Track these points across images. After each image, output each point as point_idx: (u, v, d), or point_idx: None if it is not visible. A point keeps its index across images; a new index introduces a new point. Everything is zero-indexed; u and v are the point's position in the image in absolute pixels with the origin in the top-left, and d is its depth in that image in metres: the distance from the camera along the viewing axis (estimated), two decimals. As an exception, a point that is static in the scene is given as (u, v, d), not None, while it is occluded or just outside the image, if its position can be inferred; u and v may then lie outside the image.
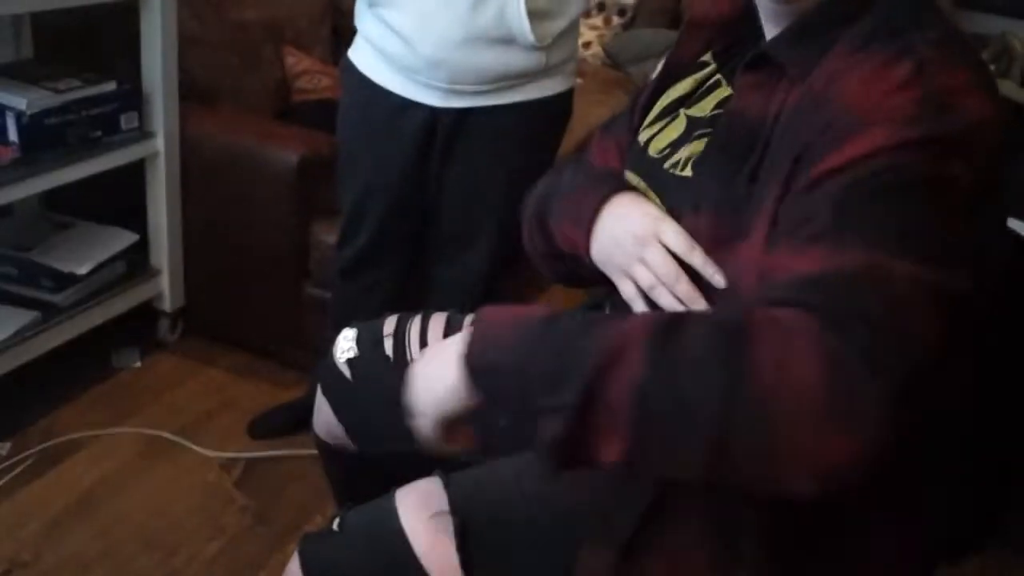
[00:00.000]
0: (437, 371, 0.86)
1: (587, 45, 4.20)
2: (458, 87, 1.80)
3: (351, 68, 1.93)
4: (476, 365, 0.80)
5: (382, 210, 1.97)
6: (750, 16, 1.02)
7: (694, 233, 0.92)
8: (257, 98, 2.76)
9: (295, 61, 2.91)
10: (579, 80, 1.98)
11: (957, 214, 0.77)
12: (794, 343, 0.68)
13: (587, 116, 3.22)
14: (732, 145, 0.93)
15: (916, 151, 0.76)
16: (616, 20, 4.34)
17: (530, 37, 1.75)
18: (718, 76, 1.06)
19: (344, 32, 3.19)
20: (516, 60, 1.79)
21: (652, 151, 1.06)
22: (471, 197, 1.94)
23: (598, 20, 4.32)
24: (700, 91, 1.07)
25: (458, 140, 1.87)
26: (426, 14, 1.74)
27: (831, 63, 0.85)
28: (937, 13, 0.89)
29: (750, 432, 0.67)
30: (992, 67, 3.45)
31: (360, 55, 1.92)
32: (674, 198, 1.00)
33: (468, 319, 0.83)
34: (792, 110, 0.86)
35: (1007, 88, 3.22)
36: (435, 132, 1.87)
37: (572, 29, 1.88)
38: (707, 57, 1.10)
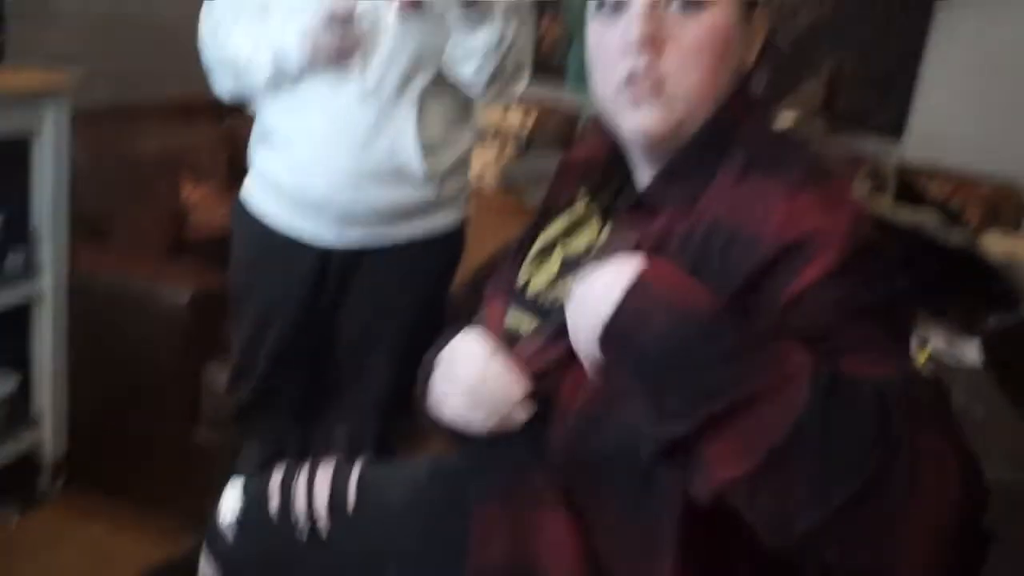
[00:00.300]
0: (582, 324, 0.85)
1: (482, 172, 4.27)
2: (350, 222, 1.81)
3: (244, 205, 1.93)
4: (618, 342, 0.79)
5: (274, 349, 1.94)
6: (620, 155, 1.06)
7: (572, 360, 0.93)
8: (151, 232, 2.73)
9: (191, 193, 2.90)
10: (474, 207, 2.01)
11: None
12: (942, 447, 0.69)
13: (483, 242, 3.25)
14: None
15: (868, 258, 0.82)
16: (511, 147, 4.44)
17: (422, 170, 1.78)
18: (589, 212, 1.10)
19: (241, 164, 3.19)
20: (408, 194, 1.81)
21: (531, 290, 1.09)
22: (366, 333, 1.93)
23: (493, 147, 4.41)
24: (573, 227, 1.11)
25: (351, 276, 1.87)
26: (318, 151, 1.76)
27: (716, 198, 0.89)
28: (792, 137, 0.95)
29: (883, 511, 0.67)
30: (867, 185, 3.62)
31: (253, 192, 1.92)
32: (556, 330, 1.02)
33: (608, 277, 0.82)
34: (683, 243, 0.90)
35: (882, 206, 3.38)
36: (328, 268, 1.87)
37: (464, 161, 1.91)
38: (580, 195, 1.13)
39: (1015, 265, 3.25)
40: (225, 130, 3.29)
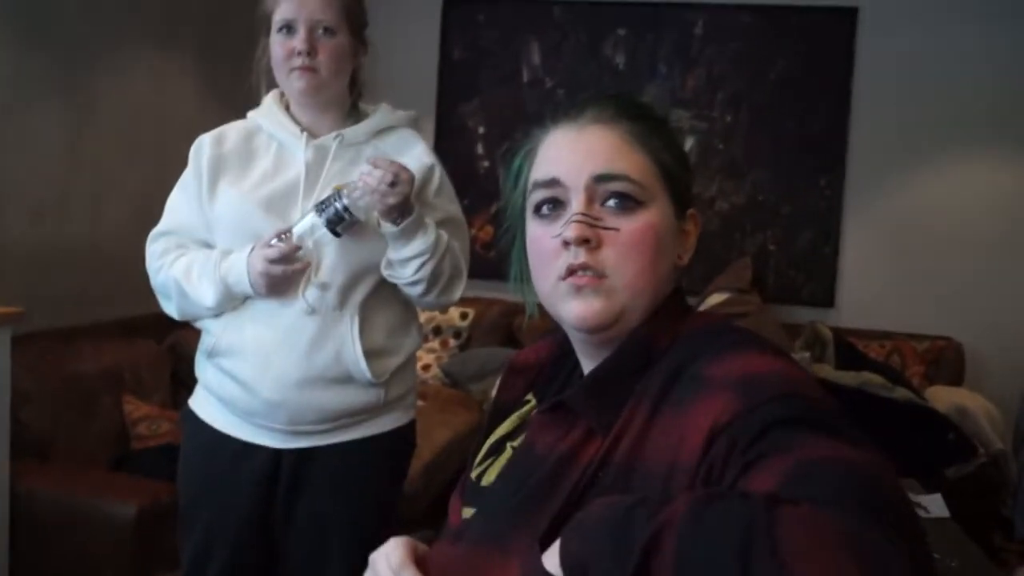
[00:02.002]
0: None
1: (427, 368, 4.29)
2: (299, 427, 1.79)
3: (192, 416, 1.89)
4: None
5: (225, 559, 1.86)
6: (566, 355, 1.08)
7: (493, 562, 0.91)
8: (95, 448, 2.69)
9: (134, 408, 2.88)
10: (421, 402, 2.00)
11: None
12: (821, 528, 0.66)
13: (432, 436, 3.24)
14: (515, 476, 0.97)
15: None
16: (452, 342, 4.48)
17: (368, 375, 1.78)
18: (536, 408, 1.11)
19: (184, 377, 3.18)
20: (355, 397, 1.81)
21: (484, 484, 1.08)
22: (318, 536, 1.87)
23: (435, 343, 4.45)
24: (522, 424, 1.11)
25: (302, 479, 1.83)
26: (264, 359, 1.76)
27: (638, 419, 0.89)
28: (722, 326, 0.97)
29: None
30: (808, 354, 3.70)
31: (201, 403, 1.89)
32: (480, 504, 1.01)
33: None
34: (619, 467, 0.89)
35: (825, 372, 3.45)
36: (279, 473, 1.83)
37: (409, 364, 1.92)
38: (529, 395, 1.15)
39: (964, 416, 3.32)
40: (168, 346, 3.29)
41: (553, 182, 0.97)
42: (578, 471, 0.90)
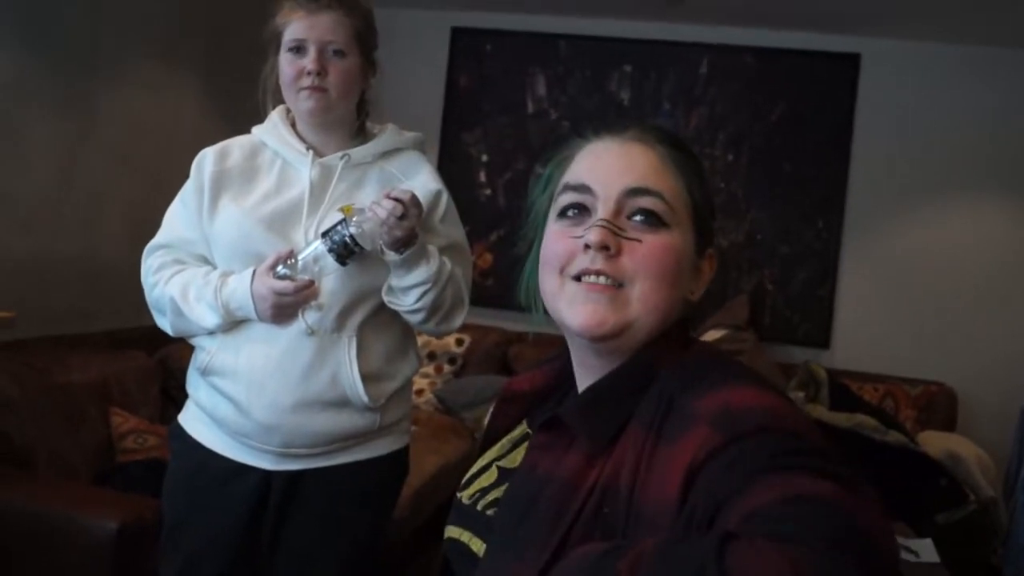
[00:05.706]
0: None
1: (420, 392, 4.26)
2: (292, 450, 1.77)
3: (181, 433, 1.86)
4: None
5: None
6: (562, 384, 1.07)
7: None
8: (78, 460, 2.65)
9: (121, 421, 2.84)
10: (414, 428, 1.97)
11: None
12: (769, 559, 0.64)
13: (423, 464, 3.21)
14: (518, 502, 0.95)
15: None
16: (447, 368, 4.46)
17: (365, 399, 1.76)
18: (527, 431, 1.09)
19: (173, 392, 3.16)
20: (350, 421, 1.78)
21: (465, 499, 1.07)
22: (306, 561, 1.83)
23: (429, 368, 4.43)
24: (511, 446, 1.10)
25: (292, 503, 1.81)
26: (259, 381, 1.74)
27: (635, 447, 0.87)
28: (716, 360, 0.95)
29: None
30: (802, 394, 3.68)
31: (191, 420, 1.86)
32: (488, 538, 0.99)
33: None
34: (622, 502, 0.86)
35: (818, 412, 3.43)
36: (268, 496, 1.80)
37: (405, 389, 1.90)
38: (523, 423, 1.13)
39: (956, 462, 3.30)
40: (158, 360, 3.26)
41: (583, 187, 0.98)
42: (579, 501, 0.88)
